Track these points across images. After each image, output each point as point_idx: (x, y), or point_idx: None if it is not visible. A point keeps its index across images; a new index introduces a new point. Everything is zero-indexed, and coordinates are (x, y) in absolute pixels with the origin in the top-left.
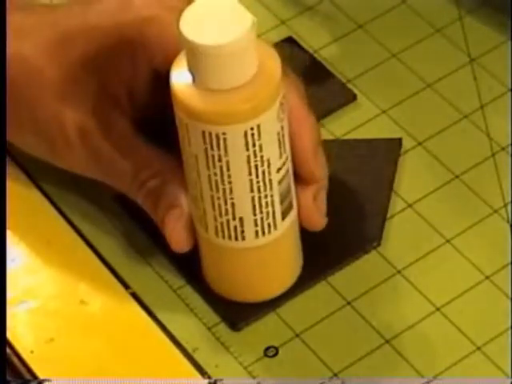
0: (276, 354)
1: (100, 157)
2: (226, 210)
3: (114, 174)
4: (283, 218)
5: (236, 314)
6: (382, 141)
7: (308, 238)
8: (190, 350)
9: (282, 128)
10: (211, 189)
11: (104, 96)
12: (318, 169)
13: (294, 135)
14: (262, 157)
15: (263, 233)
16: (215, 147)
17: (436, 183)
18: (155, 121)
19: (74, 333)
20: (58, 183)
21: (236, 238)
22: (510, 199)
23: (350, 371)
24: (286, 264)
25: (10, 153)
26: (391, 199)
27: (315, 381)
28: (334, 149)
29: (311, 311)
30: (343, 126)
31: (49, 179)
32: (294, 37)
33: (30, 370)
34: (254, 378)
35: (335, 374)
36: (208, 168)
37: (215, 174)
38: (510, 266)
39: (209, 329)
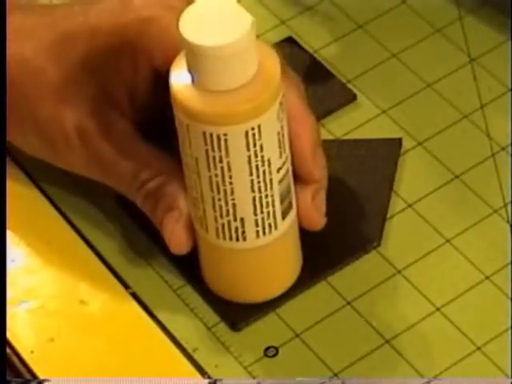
0: (276, 354)
1: (100, 157)
2: (227, 210)
3: (114, 174)
4: (283, 218)
5: (236, 314)
6: (381, 141)
7: (308, 238)
8: (189, 350)
9: (282, 128)
10: (212, 190)
11: (104, 96)
12: (317, 169)
13: (293, 135)
14: (262, 157)
15: (264, 233)
16: (216, 148)
17: (436, 183)
18: (155, 121)
19: (74, 333)
20: (57, 183)
21: (237, 239)
22: (510, 199)
23: (350, 371)
24: (286, 264)
25: (10, 153)
26: (391, 199)
27: (315, 381)
28: (333, 149)
29: (311, 311)
30: (343, 126)
31: (49, 179)
32: (294, 37)
33: (30, 370)
34: (254, 377)
35: (335, 374)
36: (209, 169)
37: (216, 175)
38: (510, 266)
39: (209, 329)
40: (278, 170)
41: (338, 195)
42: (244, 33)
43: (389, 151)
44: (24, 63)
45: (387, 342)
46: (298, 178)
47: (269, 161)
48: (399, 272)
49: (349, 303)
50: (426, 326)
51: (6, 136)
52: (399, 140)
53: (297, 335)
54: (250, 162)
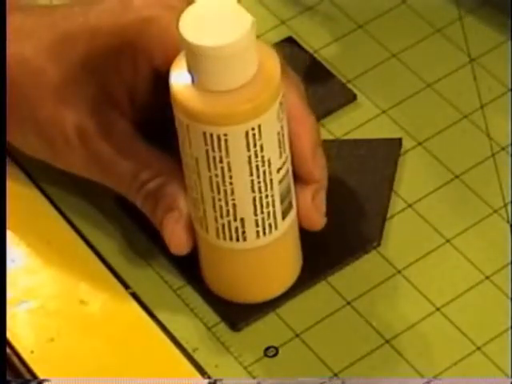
0: (276, 354)
1: (99, 157)
2: (228, 211)
3: (114, 175)
4: (283, 218)
5: (236, 314)
6: (381, 141)
7: (308, 238)
8: (189, 350)
9: (282, 128)
10: (212, 190)
11: (104, 96)
12: (317, 169)
13: (293, 135)
14: (262, 157)
15: (264, 233)
16: (216, 148)
17: (436, 183)
18: (155, 121)
19: (74, 333)
20: (57, 183)
21: (237, 239)
22: (510, 199)
23: (350, 371)
24: (286, 264)
25: (10, 153)
26: (391, 199)
27: (315, 381)
28: (333, 149)
29: (311, 311)
30: (343, 126)
31: (49, 179)
32: (294, 37)
33: (30, 370)
34: (254, 377)
35: (335, 374)
36: (209, 169)
37: (216, 176)
38: (510, 266)
39: (209, 329)
40: (278, 170)
41: (338, 195)
42: (244, 33)
43: (389, 151)
44: (24, 63)
45: (387, 341)
46: (298, 177)
47: (269, 161)
48: (399, 272)
49: (349, 303)
50: (425, 326)
51: (6, 136)
52: (399, 140)
53: (297, 335)
54: (250, 162)
